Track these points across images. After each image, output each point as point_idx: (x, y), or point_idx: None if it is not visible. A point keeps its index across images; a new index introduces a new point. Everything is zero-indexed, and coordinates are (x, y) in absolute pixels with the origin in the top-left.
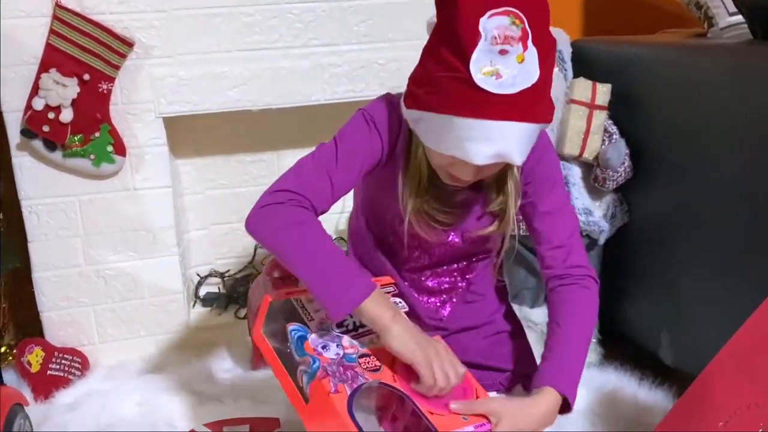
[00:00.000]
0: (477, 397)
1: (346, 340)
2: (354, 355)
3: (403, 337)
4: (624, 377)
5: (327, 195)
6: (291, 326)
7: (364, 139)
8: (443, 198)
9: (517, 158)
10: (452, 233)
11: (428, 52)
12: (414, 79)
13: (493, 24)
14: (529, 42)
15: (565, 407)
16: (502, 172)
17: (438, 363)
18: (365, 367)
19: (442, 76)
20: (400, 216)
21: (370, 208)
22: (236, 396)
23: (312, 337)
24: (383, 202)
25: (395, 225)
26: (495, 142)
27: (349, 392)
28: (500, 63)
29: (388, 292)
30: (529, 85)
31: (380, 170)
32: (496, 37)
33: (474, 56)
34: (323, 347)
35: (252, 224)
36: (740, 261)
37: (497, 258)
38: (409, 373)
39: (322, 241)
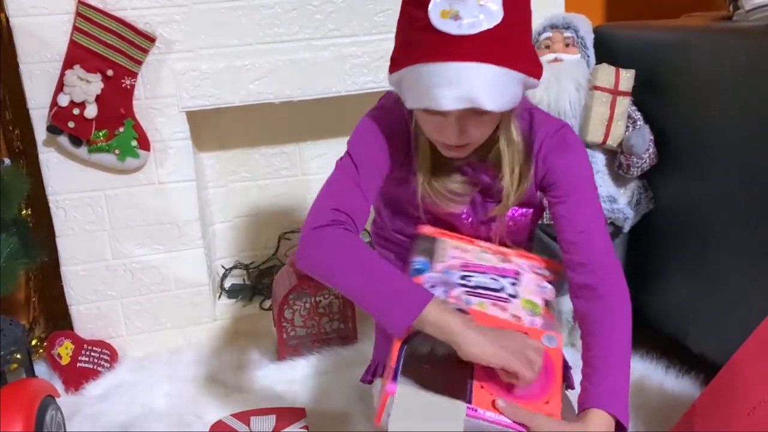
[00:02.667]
0: (555, 380)
1: (457, 290)
2: (452, 304)
3: (480, 341)
4: (651, 365)
5: (362, 205)
6: (417, 258)
7: (376, 142)
8: (450, 173)
9: (487, 102)
10: (464, 212)
11: (400, 16)
12: (394, 47)
13: None
14: None
15: (619, 430)
16: (496, 145)
17: (524, 356)
18: None
19: (408, 30)
20: (418, 207)
21: (389, 203)
22: (262, 386)
23: (428, 275)
24: (402, 196)
25: (416, 217)
26: (460, 85)
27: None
28: (459, 5)
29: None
30: (491, 26)
31: (399, 168)
32: None
33: (432, 1)
34: (431, 287)
35: (300, 260)
36: (767, 248)
37: (529, 243)
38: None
39: (369, 258)
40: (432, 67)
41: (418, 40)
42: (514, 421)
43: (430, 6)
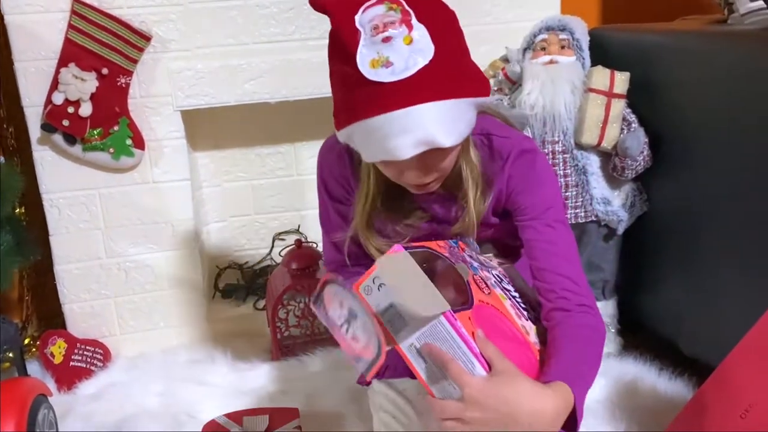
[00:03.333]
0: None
1: (485, 273)
2: (479, 269)
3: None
4: (643, 367)
5: (339, 255)
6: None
7: (323, 197)
8: (399, 209)
9: (443, 139)
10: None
11: (330, 73)
12: (333, 103)
13: (368, 16)
14: (414, 21)
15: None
16: (457, 171)
17: None
18: (475, 279)
19: (342, 88)
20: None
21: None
22: (256, 387)
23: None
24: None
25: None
26: (411, 130)
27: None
28: (387, 51)
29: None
30: (426, 62)
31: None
32: (375, 27)
33: (359, 53)
34: (469, 256)
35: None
36: (761, 251)
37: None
38: (494, 317)
39: None
40: (378, 120)
41: (356, 97)
42: (482, 355)
43: (358, 59)
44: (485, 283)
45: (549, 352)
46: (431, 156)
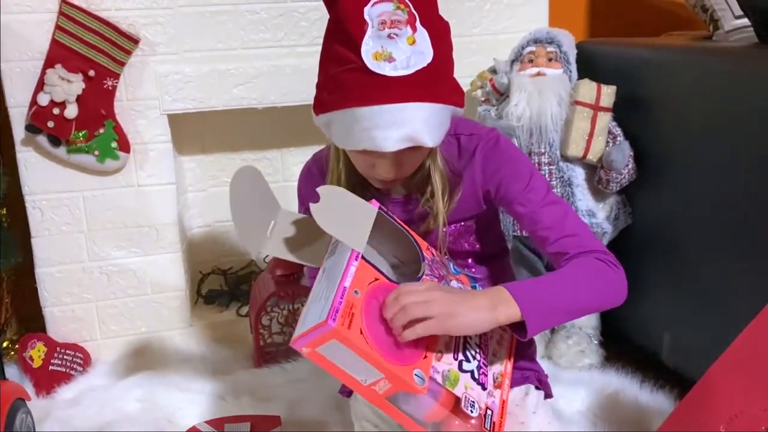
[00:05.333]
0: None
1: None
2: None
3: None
4: (626, 379)
5: None
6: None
7: (303, 203)
8: None
9: (427, 139)
10: None
11: (324, 53)
12: (318, 84)
13: (377, 11)
14: (418, 24)
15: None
16: (425, 170)
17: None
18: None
19: (339, 71)
20: None
21: None
22: (238, 393)
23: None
24: None
25: None
26: (401, 125)
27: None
28: (391, 47)
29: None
30: (424, 64)
31: None
32: (383, 23)
33: (364, 44)
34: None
35: None
36: (743, 264)
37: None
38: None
39: None
40: (370, 109)
41: (353, 83)
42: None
43: (363, 48)
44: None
45: None
46: (408, 154)
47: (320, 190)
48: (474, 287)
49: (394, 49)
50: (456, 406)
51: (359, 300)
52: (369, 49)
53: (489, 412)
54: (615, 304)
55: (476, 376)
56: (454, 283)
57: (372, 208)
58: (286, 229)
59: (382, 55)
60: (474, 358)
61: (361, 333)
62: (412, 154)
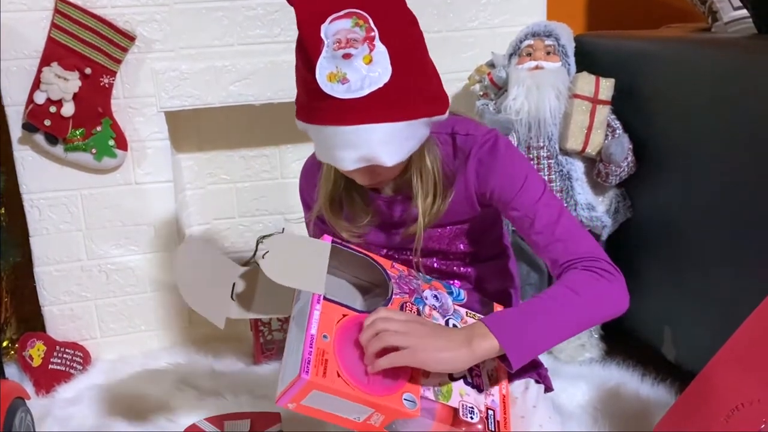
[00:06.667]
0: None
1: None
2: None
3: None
4: (626, 373)
5: None
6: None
7: (304, 201)
8: (358, 204)
9: (386, 159)
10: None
11: (295, 67)
12: (296, 92)
13: (334, 29)
14: (377, 41)
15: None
16: (411, 170)
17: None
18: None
19: (301, 89)
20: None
21: None
22: (237, 391)
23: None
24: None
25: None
26: (357, 147)
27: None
28: (346, 67)
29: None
30: (380, 84)
31: None
32: (338, 42)
33: (319, 64)
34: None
35: None
36: (743, 257)
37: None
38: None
39: None
40: (328, 130)
41: (310, 103)
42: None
43: (317, 69)
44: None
45: None
46: (375, 167)
47: (263, 241)
48: (450, 293)
49: (349, 70)
50: (455, 417)
51: (330, 343)
52: (323, 70)
53: (490, 412)
54: (614, 314)
55: (469, 379)
56: (427, 293)
57: (324, 244)
58: (249, 286)
59: (336, 76)
60: None
61: (339, 376)
62: (380, 167)
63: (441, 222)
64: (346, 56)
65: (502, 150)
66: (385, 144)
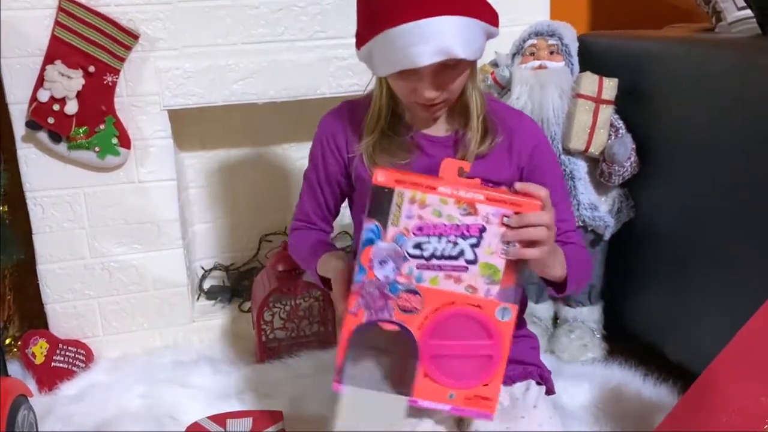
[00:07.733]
0: (500, 361)
1: (407, 267)
2: (400, 287)
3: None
4: (629, 373)
5: (316, 209)
6: (369, 223)
7: (317, 149)
8: (399, 143)
9: (460, 51)
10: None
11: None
12: (357, 22)
13: None
14: None
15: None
16: (465, 97)
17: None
18: (401, 303)
19: (365, 8)
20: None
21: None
22: (240, 389)
23: (378, 245)
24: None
25: None
26: (434, 39)
27: (364, 320)
28: None
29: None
30: None
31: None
32: None
33: None
34: (381, 262)
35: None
36: (746, 258)
37: None
38: (440, 329)
39: (303, 245)
40: (402, 28)
41: (383, 6)
42: (454, 407)
43: None
44: (414, 281)
45: None
46: (445, 72)
47: (343, 398)
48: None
49: None
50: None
51: None
52: None
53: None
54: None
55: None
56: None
57: (399, 398)
58: None
59: None
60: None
61: None
62: (450, 73)
63: (474, 171)
64: None
65: (551, 148)
66: (458, 36)
